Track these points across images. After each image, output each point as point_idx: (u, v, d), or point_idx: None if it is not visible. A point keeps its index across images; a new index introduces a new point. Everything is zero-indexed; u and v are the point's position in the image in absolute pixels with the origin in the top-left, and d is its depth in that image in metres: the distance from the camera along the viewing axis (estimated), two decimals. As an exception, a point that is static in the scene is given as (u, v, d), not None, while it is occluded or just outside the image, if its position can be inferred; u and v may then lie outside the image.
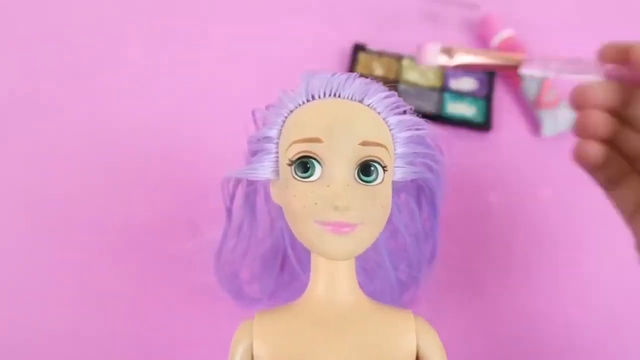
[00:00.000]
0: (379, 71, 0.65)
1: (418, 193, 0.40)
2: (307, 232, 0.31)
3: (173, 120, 0.61)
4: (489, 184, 0.59)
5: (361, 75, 0.34)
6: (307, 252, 0.39)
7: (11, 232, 0.54)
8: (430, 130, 0.36)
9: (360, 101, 0.33)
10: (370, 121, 0.33)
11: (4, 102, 0.61)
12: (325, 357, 0.32)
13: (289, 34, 0.67)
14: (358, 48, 0.66)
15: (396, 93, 0.35)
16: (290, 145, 0.32)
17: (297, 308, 0.34)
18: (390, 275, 0.44)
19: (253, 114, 0.38)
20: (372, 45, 0.66)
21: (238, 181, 0.39)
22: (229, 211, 0.40)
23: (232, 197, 0.39)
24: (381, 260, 0.43)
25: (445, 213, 0.56)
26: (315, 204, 0.31)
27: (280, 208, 0.39)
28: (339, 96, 0.33)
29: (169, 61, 0.65)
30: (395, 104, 0.34)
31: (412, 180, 0.37)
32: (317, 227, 0.31)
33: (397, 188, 0.37)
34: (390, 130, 0.34)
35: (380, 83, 0.35)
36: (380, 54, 0.66)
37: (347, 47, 0.67)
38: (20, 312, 0.51)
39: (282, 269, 0.45)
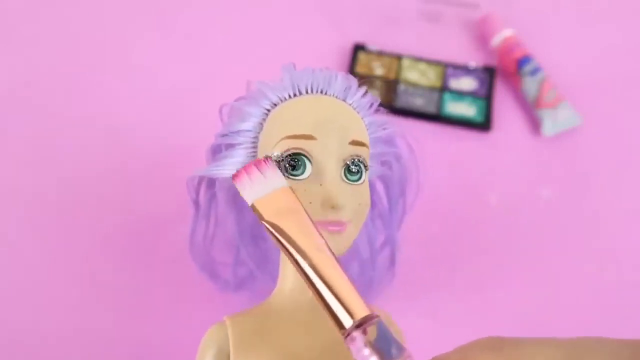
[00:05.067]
0: (379, 71, 0.65)
1: (371, 193, 0.40)
2: None
3: (173, 119, 0.61)
4: (489, 184, 0.59)
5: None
6: (261, 248, 0.40)
7: (11, 232, 0.54)
8: (398, 127, 0.37)
9: (344, 100, 0.34)
10: (356, 121, 0.34)
11: (3, 101, 0.61)
12: (301, 351, 0.32)
13: (289, 34, 0.67)
14: (358, 48, 0.66)
15: (366, 88, 0.35)
16: (280, 141, 0.32)
17: (270, 309, 0.34)
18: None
19: (220, 109, 0.38)
20: (372, 45, 0.66)
21: (202, 178, 0.39)
22: (195, 203, 0.41)
23: (197, 191, 0.40)
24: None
25: (445, 213, 0.57)
26: (310, 203, 0.31)
27: (238, 205, 0.39)
28: (325, 93, 0.34)
29: (168, 61, 0.65)
30: (369, 103, 0.35)
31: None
32: None
33: None
34: (367, 130, 0.34)
35: (356, 79, 0.35)
36: (380, 54, 0.66)
37: (347, 47, 0.67)
38: (20, 311, 0.51)
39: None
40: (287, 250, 0.29)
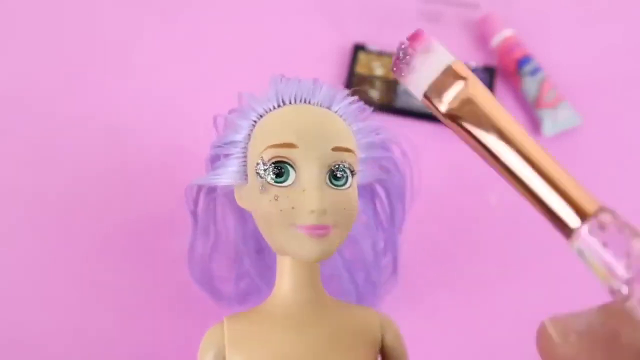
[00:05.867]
0: (379, 71, 0.65)
1: (372, 197, 0.41)
2: (283, 236, 0.32)
3: (173, 119, 0.61)
4: (489, 184, 0.59)
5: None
6: (264, 255, 0.40)
7: (11, 232, 0.54)
8: (394, 132, 0.38)
9: (328, 108, 0.35)
10: (340, 128, 0.34)
11: (3, 101, 0.61)
12: (292, 352, 0.33)
13: (289, 34, 0.68)
14: (358, 48, 0.66)
15: (357, 97, 0.36)
16: (264, 150, 0.32)
17: (266, 310, 0.35)
18: (346, 284, 0.44)
19: (214, 120, 0.38)
20: (372, 45, 0.66)
21: (201, 186, 0.39)
22: (194, 215, 0.41)
23: (195, 202, 0.40)
24: (336, 269, 0.44)
25: (445, 213, 0.57)
26: (292, 208, 0.32)
27: (239, 212, 0.40)
28: (309, 102, 0.34)
29: (168, 61, 0.65)
30: (359, 110, 0.36)
31: (367, 185, 0.39)
32: (294, 231, 0.32)
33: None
34: (354, 136, 0.35)
35: (345, 90, 0.36)
36: (380, 54, 0.66)
37: (347, 47, 0.67)
38: (20, 311, 0.51)
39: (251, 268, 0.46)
40: (481, 145, 0.23)
